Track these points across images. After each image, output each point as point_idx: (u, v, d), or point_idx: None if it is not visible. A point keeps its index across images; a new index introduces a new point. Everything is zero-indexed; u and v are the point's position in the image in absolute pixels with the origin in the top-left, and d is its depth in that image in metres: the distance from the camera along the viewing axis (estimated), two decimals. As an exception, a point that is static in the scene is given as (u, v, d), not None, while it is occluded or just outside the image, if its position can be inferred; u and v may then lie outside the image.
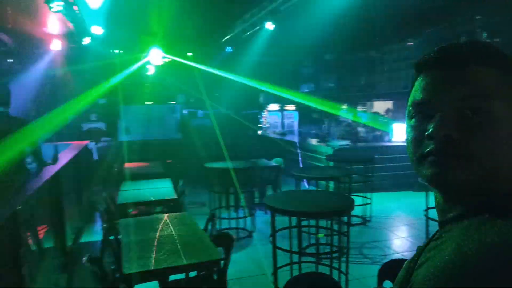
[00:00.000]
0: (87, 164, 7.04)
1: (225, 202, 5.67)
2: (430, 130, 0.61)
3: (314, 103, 11.02)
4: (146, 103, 10.51)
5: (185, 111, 10.52)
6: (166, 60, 9.98)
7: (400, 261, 1.31)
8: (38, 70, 8.47)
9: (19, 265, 2.55)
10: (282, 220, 3.67)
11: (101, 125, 9.50)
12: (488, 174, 0.60)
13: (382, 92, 10.68)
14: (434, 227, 3.00)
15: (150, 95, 10.74)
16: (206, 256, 2.54)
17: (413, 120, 0.66)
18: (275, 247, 3.16)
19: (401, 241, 4.88)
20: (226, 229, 5.03)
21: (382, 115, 10.16)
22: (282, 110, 12.68)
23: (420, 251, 0.66)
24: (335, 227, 3.76)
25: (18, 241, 2.63)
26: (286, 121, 12.73)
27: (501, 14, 5.74)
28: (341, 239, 3.63)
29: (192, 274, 3.06)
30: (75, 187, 5.66)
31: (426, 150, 0.62)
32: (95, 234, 5.13)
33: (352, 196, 5.13)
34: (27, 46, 7.99)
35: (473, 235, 0.56)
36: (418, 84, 0.67)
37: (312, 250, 4.42)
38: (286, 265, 3.41)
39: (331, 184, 6.57)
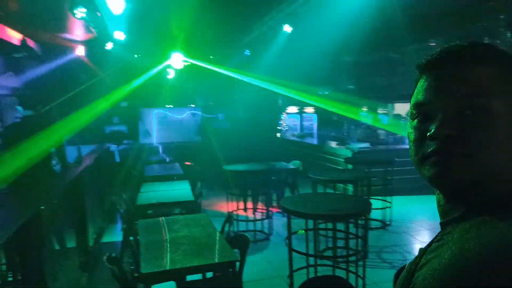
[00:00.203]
0: (109, 166, 7.21)
1: (243, 204, 5.70)
2: (432, 131, 0.61)
3: (333, 106, 10.95)
4: (166, 106, 10.68)
5: (203, 114, 10.63)
6: (186, 63, 10.13)
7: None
8: (63, 74, 8.74)
9: (42, 264, 2.64)
10: (299, 223, 3.67)
11: (123, 128, 9.72)
12: (489, 173, 0.60)
13: (403, 94, 10.48)
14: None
15: (170, 98, 10.91)
16: (221, 257, 2.56)
17: (415, 121, 0.67)
18: (291, 250, 3.16)
19: (421, 246, 4.75)
20: (244, 231, 5.05)
21: (404, 117, 9.98)
22: (301, 112, 12.64)
23: (422, 252, 0.66)
24: (353, 230, 3.72)
25: (41, 241, 2.72)
26: (305, 124, 12.67)
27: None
28: (358, 243, 3.59)
29: (209, 275, 3.10)
30: (97, 188, 5.81)
31: (428, 151, 0.62)
32: (116, 234, 5.25)
33: (371, 200, 5.09)
34: (53, 52, 8.27)
35: (473, 237, 0.56)
36: (420, 85, 0.68)
37: (329, 253, 4.38)
38: (302, 268, 3.40)
39: (350, 187, 6.50)
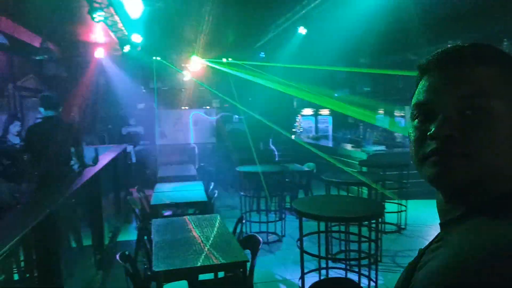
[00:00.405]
0: (125, 166, 7.34)
1: (256, 206, 5.71)
2: (432, 130, 0.62)
3: (349, 108, 10.85)
4: (182, 107, 10.80)
5: (218, 116, 10.70)
6: (202, 66, 10.22)
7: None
8: (82, 76, 8.96)
9: (58, 260, 2.71)
10: (313, 225, 3.66)
11: (139, 129, 9.87)
12: (489, 173, 0.60)
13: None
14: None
15: (186, 100, 11.02)
16: (232, 257, 2.58)
17: (416, 121, 0.67)
18: (302, 252, 3.15)
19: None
20: (257, 232, 5.06)
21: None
22: (316, 114, 12.58)
23: (421, 253, 0.66)
24: (366, 233, 3.69)
25: (58, 238, 2.79)
26: (320, 126, 12.60)
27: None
28: (371, 246, 3.56)
29: (221, 275, 3.13)
30: (114, 188, 5.91)
31: (428, 150, 0.63)
32: (131, 233, 5.34)
33: (386, 203, 5.03)
34: (73, 54, 8.48)
35: (472, 238, 0.56)
36: (421, 85, 0.68)
37: (342, 256, 4.35)
38: (313, 270, 3.40)
39: (365, 190, 6.43)
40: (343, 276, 3.36)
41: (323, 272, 3.41)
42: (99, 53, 8.53)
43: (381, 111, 10.72)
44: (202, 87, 11.18)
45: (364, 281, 3.24)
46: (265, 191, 5.59)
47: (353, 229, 4.30)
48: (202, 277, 2.88)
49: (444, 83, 0.64)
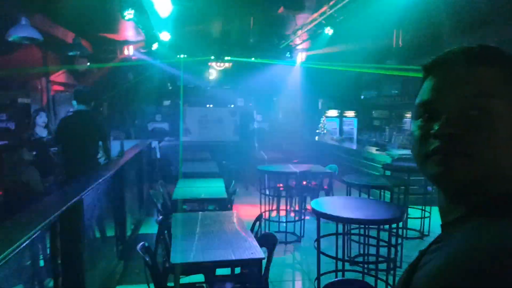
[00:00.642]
0: (149, 161, 7.51)
1: (277, 205, 5.72)
2: (436, 129, 0.62)
3: (375, 110, 10.67)
4: (207, 105, 10.93)
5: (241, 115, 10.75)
6: (228, 65, 10.31)
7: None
8: (112, 73, 9.23)
9: (81, 250, 2.81)
10: (332, 227, 3.64)
11: (164, 125, 10.07)
12: (492, 174, 0.60)
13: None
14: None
15: (211, 98, 11.15)
16: (248, 254, 2.61)
17: (420, 120, 0.67)
18: (319, 253, 3.14)
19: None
20: (276, 232, 5.07)
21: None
22: (341, 116, 12.45)
23: (421, 254, 0.66)
24: (387, 237, 3.63)
25: (82, 227, 2.90)
26: (345, 128, 12.45)
27: None
28: (390, 251, 3.50)
29: (238, 271, 3.16)
30: (137, 181, 6.06)
31: (432, 149, 0.63)
32: (153, 226, 5.46)
33: (409, 208, 4.92)
34: (104, 51, 8.75)
35: (472, 239, 0.56)
36: (426, 85, 0.69)
37: (361, 259, 4.30)
38: (330, 272, 3.37)
39: (387, 194, 6.32)
40: (360, 279, 3.32)
41: (340, 274, 3.38)
42: (129, 50, 8.76)
43: (408, 114, 10.49)
44: (227, 85, 11.28)
45: (382, 286, 3.19)
46: (286, 191, 5.59)
47: (374, 232, 4.24)
48: (219, 272, 2.93)
49: (449, 83, 0.64)
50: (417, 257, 0.68)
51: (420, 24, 5.62)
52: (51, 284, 2.79)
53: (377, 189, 5.33)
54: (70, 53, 6.34)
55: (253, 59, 9.90)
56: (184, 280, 3.06)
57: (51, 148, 4.74)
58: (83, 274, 2.84)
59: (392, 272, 3.22)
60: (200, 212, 3.80)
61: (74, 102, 4.39)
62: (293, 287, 3.74)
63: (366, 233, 4.16)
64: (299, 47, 9.10)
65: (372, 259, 4.22)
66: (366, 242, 4.37)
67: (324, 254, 3.14)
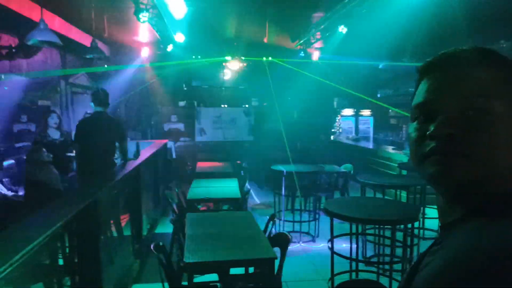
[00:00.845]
0: (165, 161, 7.60)
1: (291, 205, 5.71)
2: (432, 129, 0.62)
3: (392, 109, 10.51)
4: (221, 105, 10.99)
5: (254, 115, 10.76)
6: (242, 65, 10.33)
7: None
8: (129, 75, 9.38)
9: (98, 248, 2.87)
10: (347, 227, 3.62)
11: (180, 126, 10.18)
12: (490, 174, 0.59)
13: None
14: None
15: (225, 98, 11.20)
16: (260, 253, 2.62)
17: (416, 122, 0.67)
18: (332, 253, 3.13)
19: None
20: (290, 232, 5.06)
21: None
22: (356, 115, 12.33)
23: (422, 256, 0.66)
24: (401, 238, 3.59)
25: (98, 226, 2.97)
26: (361, 127, 12.33)
27: None
28: (406, 251, 3.45)
29: (251, 270, 3.18)
30: (153, 181, 6.15)
31: (428, 149, 0.62)
32: (169, 226, 5.52)
33: (426, 209, 4.84)
34: (120, 53, 8.91)
35: (472, 240, 0.56)
36: (421, 87, 0.68)
37: (376, 259, 4.26)
38: (344, 272, 3.35)
39: (404, 194, 6.23)
40: (375, 279, 3.29)
41: (354, 274, 3.36)
42: (145, 52, 8.90)
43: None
44: (241, 85, 11.31)
45: (395, 285, 3.16)
46: (300, 191, 5.57)
47: (389, 232, 4.20)
48: (233, 271, 2.95)
49: (445, 84, 0.64)
50: (418, 258, 0.68)
51: (436, 20, 5.51)
52: (69, 283, 2.87)
53: (393, 189, 5.27)
54: (88, 56, 6.47)
55: (265, 58, 9.91)
56: (199, 279, 3.09)
57: (66, 153, 4.83)
58: (100, 272, 2.90)
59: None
60: (214, 212, 3.83)
61: (92, 104, 4.49)
62: (307, 286, 3.72)
63: (382, 233, 4.12)
64: (313, 46, 9.05)
65: (387, 259, 4.17)
66: (382, 242, 4.33)
67: (337, 254, 3.13)
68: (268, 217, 3.45)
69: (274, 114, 11.44)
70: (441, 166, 0.61)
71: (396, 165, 7.01)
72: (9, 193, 4.51)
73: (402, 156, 7.32)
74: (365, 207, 3.13)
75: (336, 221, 3.15)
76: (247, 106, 11.05)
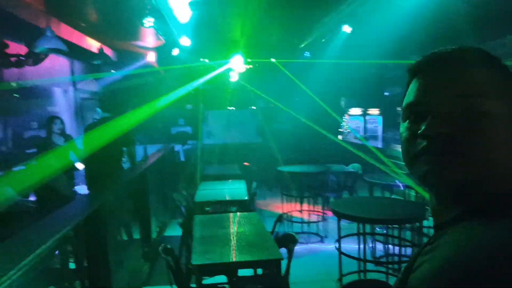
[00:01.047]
0: (173, 164, 7.65)
1: (299, 206, 5.70)
2: (423, 128, 0.61)
3: (400, 108, 10.38)
4: (228, 108, 11.02)
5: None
6: (248, 67, 10.36)
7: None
8: (135, 79, 9.45)
9: (106, 252, 2.91)
10: (355, 227, 3.60)
11: (187, 129, 10.23)
12: (485, 173, 0.59)
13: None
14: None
15: (232, 100, 11.23)
16: (267, 254, 2.62)
17: (407, 122, 0.67)
18: (340, 253, 3.12)
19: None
20: (298, 233, 5.06)
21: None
22: (364, 114, 12.25)
23: (415, 256, 0.66)
24: (408, 237, 3.57)
25: (107, 230, 3.00)
26: (369, 126, 12.24)
27: None
28: (414, 250, 3.43)
29: (260, 272, 3.18)
30: (161, 185, 6.19)
31: (419, 148, 0.62)
32: (178, 229, 5.55)
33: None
34: (127, 59, 8.99)
35: (465, 241, 0.55)
36: (412, 87, 0.68)
37: (385, 259, 4.23)
38: (353, 272, 3.34)
39: (412, 193, 6.18)
40: (384, 280, 3.27)
41: (363, 274, 3.35)
42: (151, 57, 8.97)
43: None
44: (248, 87, 11.32)
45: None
46: (308, 191, 5.57)
47: (397, 232, 4.16)
48: (241, 273, 2.96)
49: (436, 83, 0.64)
50: (411, 258, 0.67)
51: (445, 13, 5.45)
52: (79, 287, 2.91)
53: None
54: (95, 62, 6.55)
55: (272, 59, 9.92)
56: (208, 281, 3.11)
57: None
58: (110, 275, 2.93)
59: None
60: (221, 214, 3.84)
61: (99, 110, 4.53)
62: (316, 287, 3.72)
63: (391, 233, 4.09)
64: (319, 45, 9.04)
65: (396, 258, 4.14)
66: (390, 242, 4.30)
67: (344, 254, 3.12)
68: (275, 218, 3.46)
69: (281, 115, 11.46)
70: (432, 165, 0.60)
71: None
72: (20, 199, 4.57)
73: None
74: (372, 207, 3.12)
75: (345, 221, 3.14)
76: (254, 107, 11.07)
